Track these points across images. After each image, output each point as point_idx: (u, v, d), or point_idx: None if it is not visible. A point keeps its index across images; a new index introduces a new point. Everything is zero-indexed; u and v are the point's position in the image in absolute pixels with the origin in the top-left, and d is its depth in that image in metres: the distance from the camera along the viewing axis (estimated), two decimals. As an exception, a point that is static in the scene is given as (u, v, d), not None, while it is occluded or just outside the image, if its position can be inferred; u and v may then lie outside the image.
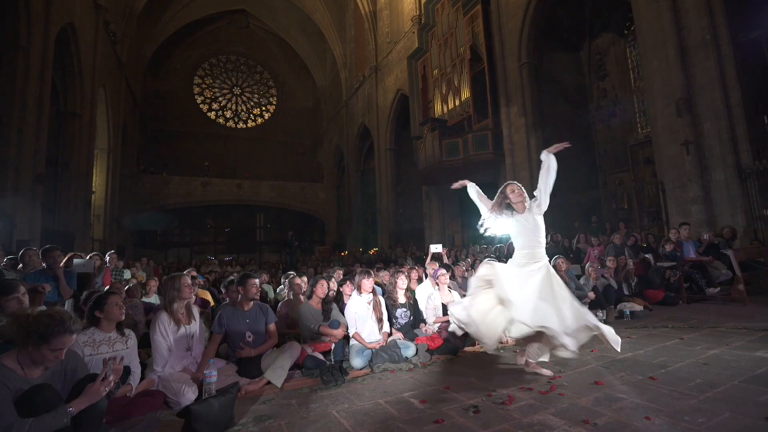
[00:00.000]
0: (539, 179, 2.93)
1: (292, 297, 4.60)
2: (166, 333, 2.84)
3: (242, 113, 29.45)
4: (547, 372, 2.83)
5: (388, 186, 19.45)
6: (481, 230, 3.18)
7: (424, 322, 4.09)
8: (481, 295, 2.88)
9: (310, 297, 3.91)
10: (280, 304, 4.59)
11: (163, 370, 2.77)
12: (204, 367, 2.78)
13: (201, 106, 28.26)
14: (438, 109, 14.53)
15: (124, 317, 2.72)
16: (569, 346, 2.54)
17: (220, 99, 28.94)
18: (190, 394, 2.59)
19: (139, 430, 2.30)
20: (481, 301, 2.86)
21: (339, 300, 4.42)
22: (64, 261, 4.00)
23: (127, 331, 2.76)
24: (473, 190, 3.20)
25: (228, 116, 28.97)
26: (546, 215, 3.01)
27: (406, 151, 17.67)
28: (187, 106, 27.62)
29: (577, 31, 13.00)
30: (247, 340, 3.19)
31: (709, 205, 7.26)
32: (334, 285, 4.62)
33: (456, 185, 3.30)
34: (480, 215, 3.17)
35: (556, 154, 2.88)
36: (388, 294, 4.13)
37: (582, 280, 4.86)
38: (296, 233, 18.18)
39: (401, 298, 4.10)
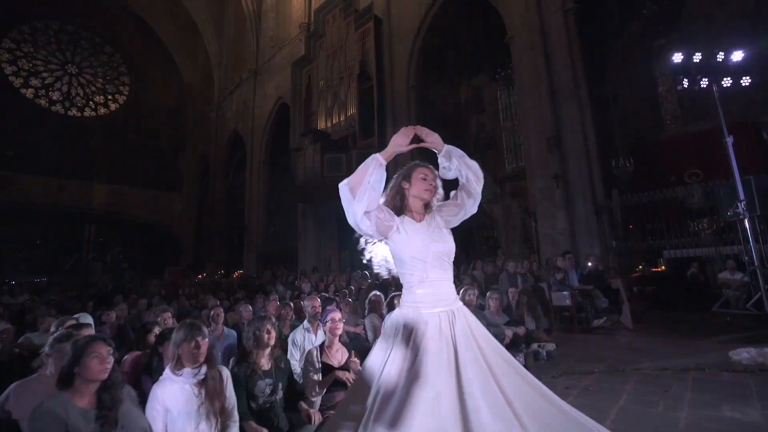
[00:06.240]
0: (466, 180, 1.78)
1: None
2: None
3: (77, 98, 23.58)
4: None
5: (260, 202, 17.44)
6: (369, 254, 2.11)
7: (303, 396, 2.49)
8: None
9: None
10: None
11: None
12: None
13: (10, 77, 21.61)
14: (322, 122, 13.54)
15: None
16: None
17: (45, 75, 22.69)
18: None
19: None
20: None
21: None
22: None
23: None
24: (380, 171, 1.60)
25: (55, 98, 22.84)
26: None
27: (283, 166, 16.10)
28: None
29: (457, 69, 13.70)
30: None
31: (573, 236, 7.74)
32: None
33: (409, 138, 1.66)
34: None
35: None
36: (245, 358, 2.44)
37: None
38: (142, 250, 14.41)
39: (264, 363, 2.43)
